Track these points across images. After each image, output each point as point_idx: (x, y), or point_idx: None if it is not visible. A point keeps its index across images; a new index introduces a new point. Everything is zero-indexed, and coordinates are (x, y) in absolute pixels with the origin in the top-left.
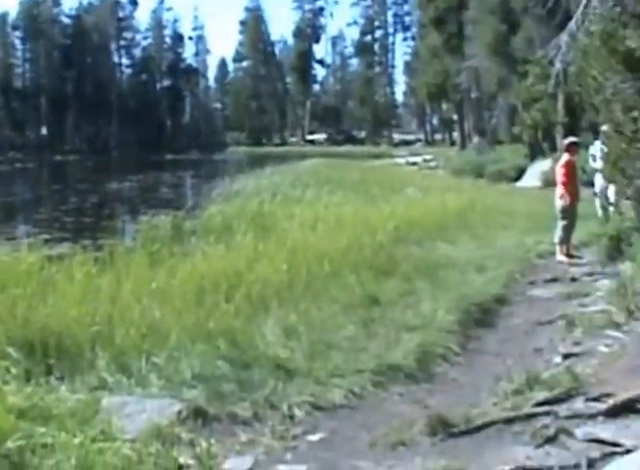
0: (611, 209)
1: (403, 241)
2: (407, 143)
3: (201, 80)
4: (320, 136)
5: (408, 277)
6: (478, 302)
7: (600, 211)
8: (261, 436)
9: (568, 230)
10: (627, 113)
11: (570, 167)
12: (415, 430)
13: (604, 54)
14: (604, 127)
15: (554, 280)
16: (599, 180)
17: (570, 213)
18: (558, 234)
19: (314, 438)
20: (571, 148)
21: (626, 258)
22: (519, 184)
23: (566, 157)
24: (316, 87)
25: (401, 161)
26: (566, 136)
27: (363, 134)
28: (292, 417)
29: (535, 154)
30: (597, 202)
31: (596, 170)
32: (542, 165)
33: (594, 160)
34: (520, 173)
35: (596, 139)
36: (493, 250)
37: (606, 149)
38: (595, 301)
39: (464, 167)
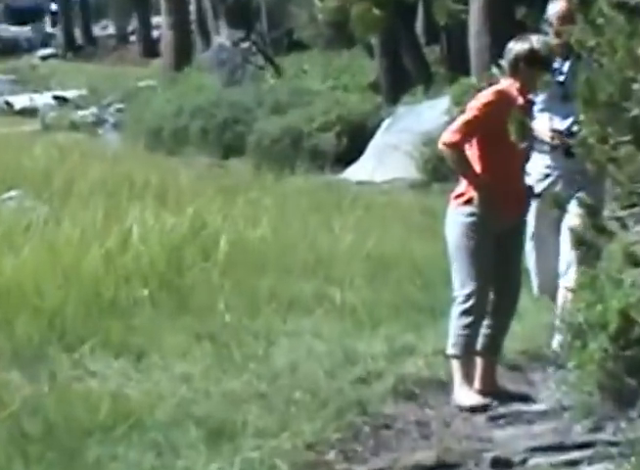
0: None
1: None
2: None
3: None
4: None
5: None
6: None
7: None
8: None
9: (478, 314)
10: None
11: (496, 115)
12: None
13: None
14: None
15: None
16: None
17: (480, 261)
18: (455, 327)
19: None
20: (537, 60)
21: None
22: (350, 175)
23: (500, 87)
24: None
25: None
26: (496, 31)
27: None
28: None
29: (400, 85)
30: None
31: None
32: (425, 117)
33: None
34: (358, 145)
35: None
36: (251, 377)
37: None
38: None
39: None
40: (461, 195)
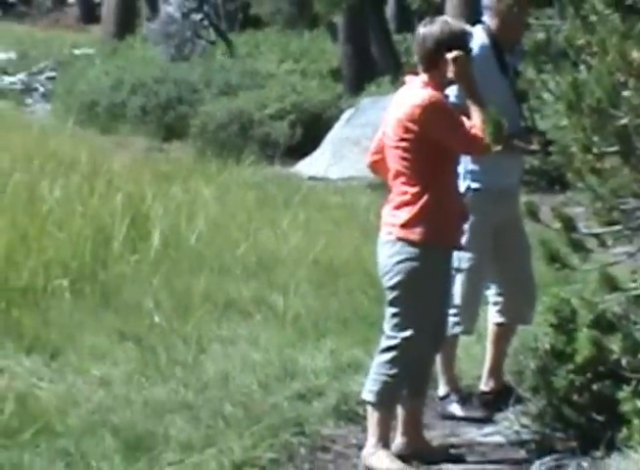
0: None
1: None
2: None
3: None
4: None
5: None
6: None
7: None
8: None
9: (416, 362)
10: None
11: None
12: None
13: None
14: None
15: None
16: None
17: (432, 303)
18: (382, 373)
19: None
20: (462, 45)
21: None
22: (303, 169)
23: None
24: None
25: None
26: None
27: None
28: None
29: (365, 74)
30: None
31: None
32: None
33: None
34: (313, 137)
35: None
36: None
37: None
38: None
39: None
40: (411, 223)
